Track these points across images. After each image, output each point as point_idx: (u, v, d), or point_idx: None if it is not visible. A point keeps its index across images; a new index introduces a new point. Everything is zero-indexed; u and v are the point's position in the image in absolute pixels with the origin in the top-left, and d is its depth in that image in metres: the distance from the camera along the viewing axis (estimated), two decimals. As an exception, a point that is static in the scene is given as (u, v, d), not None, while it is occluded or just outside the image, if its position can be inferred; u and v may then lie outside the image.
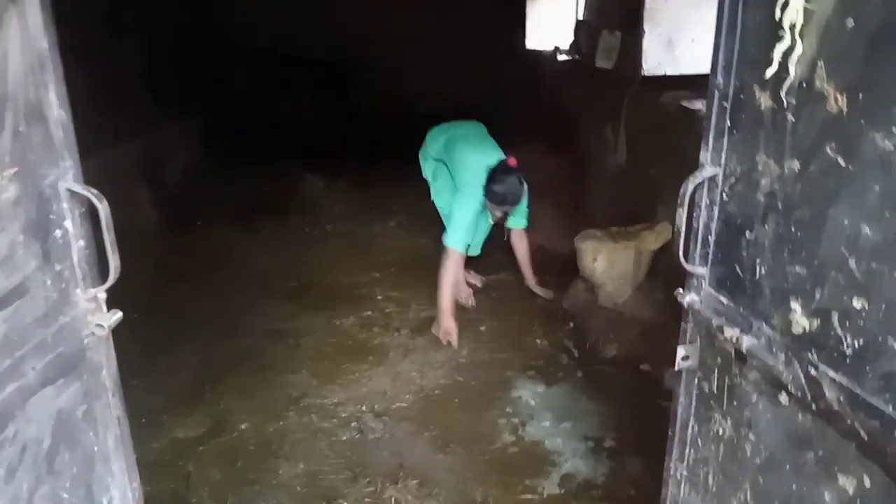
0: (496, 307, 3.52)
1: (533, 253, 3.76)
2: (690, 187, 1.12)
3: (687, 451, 1.28)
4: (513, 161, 3.30)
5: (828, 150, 0.87)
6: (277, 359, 3.21)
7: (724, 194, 1.11)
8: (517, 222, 3.64)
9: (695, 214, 1.18)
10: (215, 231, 4.61)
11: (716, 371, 1.15)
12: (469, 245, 3.57)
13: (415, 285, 3.91)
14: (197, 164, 5.51)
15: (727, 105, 1.07)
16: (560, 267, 3.96)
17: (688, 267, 1.16)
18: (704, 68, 2.93)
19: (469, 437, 2.72)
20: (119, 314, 1.14)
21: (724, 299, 1.12)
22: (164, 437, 2.70)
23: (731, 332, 1.05)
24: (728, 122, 1.08)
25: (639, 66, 3.20)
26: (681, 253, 1.15)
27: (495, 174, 3.24)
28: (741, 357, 1.07)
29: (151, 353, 3.23)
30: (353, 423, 2.76)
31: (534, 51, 5.99)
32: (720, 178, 1.11)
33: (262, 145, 5.97)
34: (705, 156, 1.13)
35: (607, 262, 3.33)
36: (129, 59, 4.63)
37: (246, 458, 2.57)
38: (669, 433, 1.32)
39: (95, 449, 1.13)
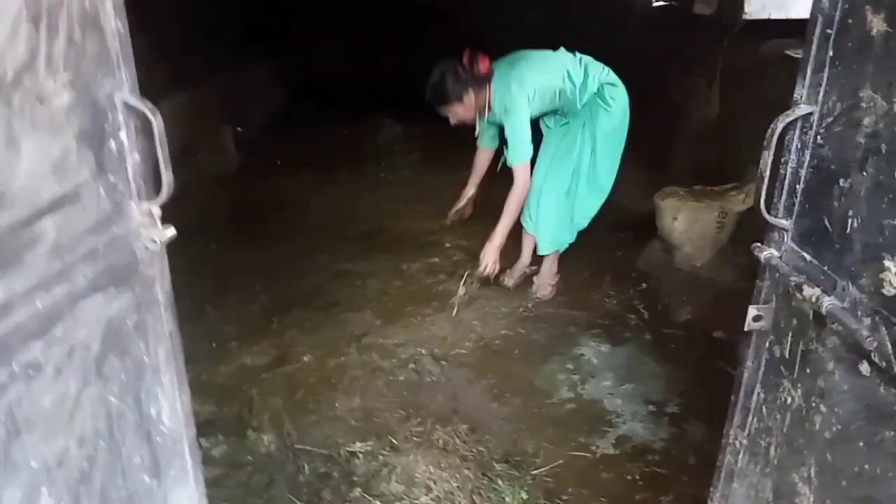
0: (565, 260, 3.41)
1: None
2: (780, 127, 0.99)
3: (750, 419, 1.18)
4: (465, 56, 2.86)
5: (950, 80, 0.74)
6: (343, 298, 3.26)
7: (818, 136, 0.98)
8: (483, 139, 3.22)
9: (782, 160, 1.05)
10: (293, 174, 4.69)
11: (790, 334, 1.04)
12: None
13: (484, 235, 3.84)
14: (278, 109, 5.59)
15: (831, 32, 0.94)
16: (636, 225, 3.80)
17: (769, 218, 1.04)
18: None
19: (526, 389, 2.69)
20: (172, 230, 1.15)
21: (807, 255, 1.00)
22: (233, 363, 2.81)
23: (810, 292, 0.94)
24: (830, 52, 0.94)
25: (740, 8, 2.93)
26: (762, 202, 1.03)
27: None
28: (820, 320, 0.96)
29: (226, 285, 3.35)
30: (412, 365, 2.77)
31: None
32: (815, 117, 0.98)
33: (343, 91, 5.97)
34: (800, 92, 1.00)
35: (687, 222, 3.15)
36: (219, 2, 4.70)
37: (306, 389, 2.64)
38: (732, 399, 1.23)
39: (145, 360, 1.16)
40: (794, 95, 1.01)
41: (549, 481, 2.18)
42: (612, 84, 3.01)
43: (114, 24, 1.04)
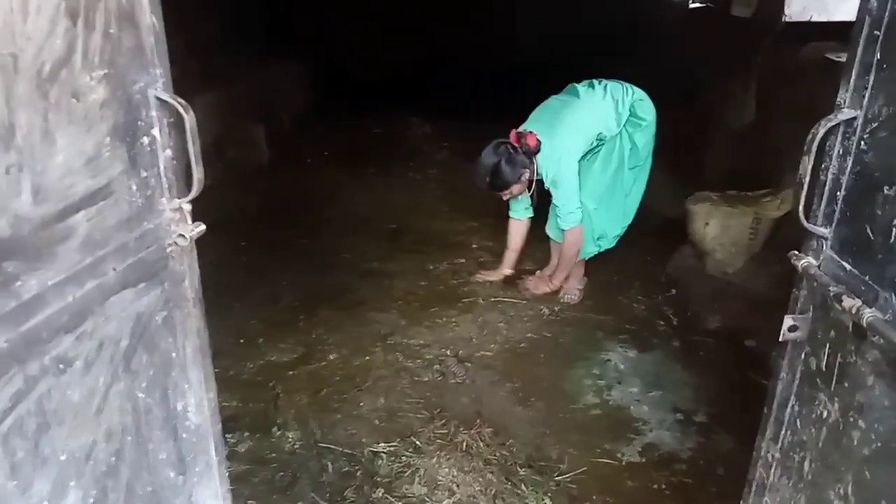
0: (594, 264, 3.37)
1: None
2: (821, 132, 0.96)
3: (783, 431, 1.15)
4: (513, 136, 2.96)
5: None
6: (369, 296, 3.27)
7: (862, 141, 0.95)
8: (516, 210, 3.27)
9: (822, 166, 1.02)
10: (322, 171, 4.73)
11: (827, 346, 1.01)
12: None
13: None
14: (309, 106, 5.63)
15: (879, 33, 0.90)
16: (666, 230, 3.74)
17: (808, 226, 1.01)
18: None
19: (551, 393, 2.66)
20: (202, 227, 1.15)
21: (847, 265, 0.97)
22: (259, 358, 2.83)
23: (850, 303, 0.91)
24: (878, 55, 0.91)
25: (780, 10, 2.86)
26: (801, 209, 1.00)
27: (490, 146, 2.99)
28: (860, 332, 0.93)
29: (254, 280, 3.39)
30: (436, 366, 2.76)
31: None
32: (859, 121, 0.95)
33: (373, 89, 6.00)
34: (843, 96, 0.97)
35: (720, 228, 3.09)
36: (250, 2, 4.76)
37: (331, 387, 2.65)
38: (765, 411, 1.19)
39: (173, 356, 1.17)
40: (837, 99, 0.98)
41: (573, 487, 2.15)
42: (641, 100, 3.07)
43: (149, 19, 1.05)
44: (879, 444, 0.91)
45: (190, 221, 1.15)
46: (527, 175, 2.97)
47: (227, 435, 2.31)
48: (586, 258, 3.29)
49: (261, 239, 3.76)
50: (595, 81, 3.12)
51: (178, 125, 1.11)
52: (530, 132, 2.93)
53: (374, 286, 3.38)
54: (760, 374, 2.75)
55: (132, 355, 1.04)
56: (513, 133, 2.96)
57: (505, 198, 3.10)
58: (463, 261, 3.62)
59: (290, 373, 2.75)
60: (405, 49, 6.30)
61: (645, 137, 3.10)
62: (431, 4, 6.22)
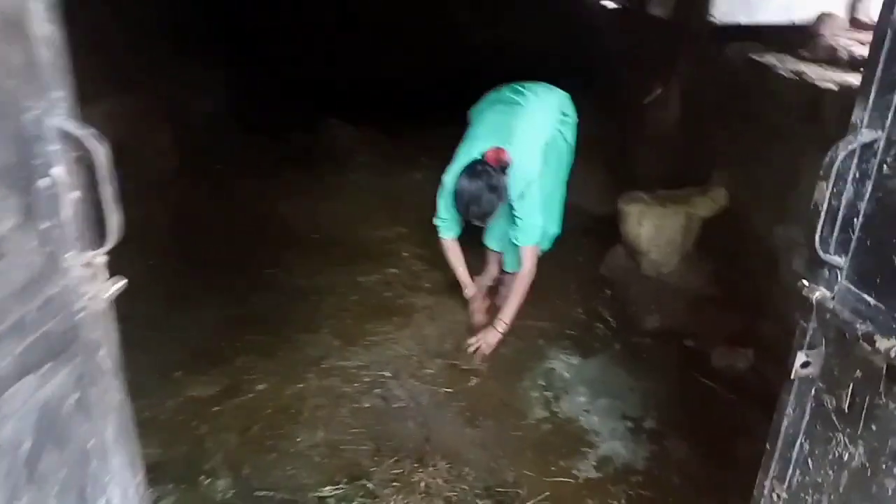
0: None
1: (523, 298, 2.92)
2: (841, 155, 0.87)
3: (790, 471, 1.07)
4: (491, 155, 2.63)
5: None
6: (298, 316, 3.04)
7: (885, 165, 0.87)
8: (510, 262, 3.09)
9: (834, 190, 0.94)
10: (238, 180, 4.38)
11: (850, 386, 0.93)
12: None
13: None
14: (222, 111, 5.23)
15: (905, 49, 0.82)
16: (597, 229, 3.73)
17: (824, 256, 0.92)
18: (782, 18, 2.58)
19: (499, 409, 2.55)
20: (122, 282, 0.94)
21: (870, 299, 0.89)
22: (178, 395, 2.56)
23: (886, 344, 0.83)
24: (905, 73, 0.83)
25: (704, 11, 2.88)
26: (818, 238, 0.91)
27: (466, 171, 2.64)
28: (894, 374, 0.85)
29: (167, 305, 3.06)
30: (377, 390, 2.59)
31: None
32: (881, 144, 0.87)
33: (290, 92, 5.68)
34: (861, 115, 0.88)
35: (654, 228, 3.09)
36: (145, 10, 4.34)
37: (263, 422, 2.42)
38: (768, 447, 1.11)
39: (90, 444, 0.95)
40: (853, 120, 0.89)
41: (536, 514, 2.05)
42: (565, 98, 3.03)
43: (44, 28, 0.82)
44: (921, 498, 0.83)
45: (105, 278, 0.93)
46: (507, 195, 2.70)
47: (146, 483, 2.06)
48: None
49: (173, 257, 3.42)
50: (522, 85, 3.00)
51: (84, 160, 0.89)
52: (500, 148, 2.66)
53: (301, 304, 3.14)
54: (702, 373, 2.77)
55: (38, 458, 0.82)
56: (490, 153, 2.63)
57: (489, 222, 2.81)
58: (395, 271, 3.45)
59: (215, 409, 2.49)
60: (328, 51, 6.02)
61: (572, 134, 3.05)
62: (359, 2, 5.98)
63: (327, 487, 2.07)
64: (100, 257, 0.91)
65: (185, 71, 4.52)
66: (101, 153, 0.86)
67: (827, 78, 2.38)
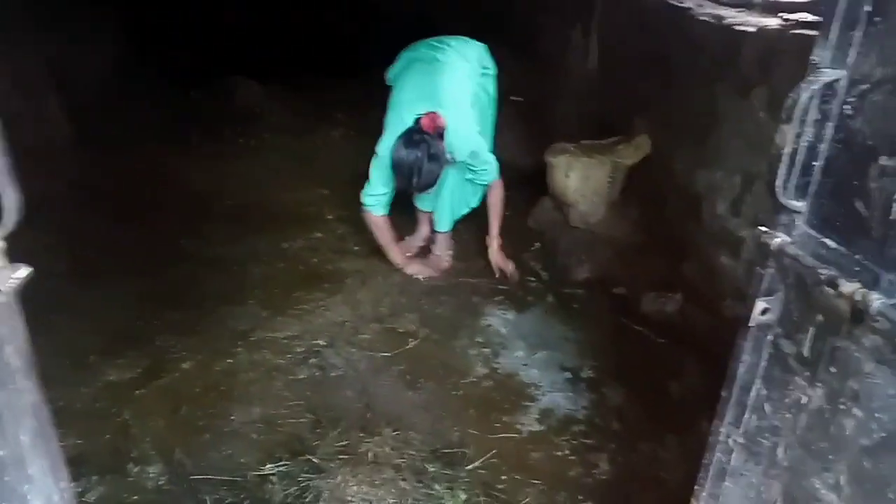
0: (459, 226, 3.24)
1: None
2: (804, 96, 0.85)
3: (747, 415, 1.08)
4: (426, 122, 2.62)
5: None
6: (220, 289, 2.87)
7: (846, 106, 0.85)
8: (441, 222, 3.11)
9: (794, 133, 0.92)
10: (141, 146, 4.05)
11: (811, 330, 0.93)
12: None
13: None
14: (118, 71, 4.79)
15: (869, -18, 0.79)
16: (523, 182, 3.71)
17: (784, 201, 0.91)
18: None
19: (439, 370, 2.52)
20: (27, 271, 0.81)
21: (831, 243, 0.88)
22: (95, 381, 2.38)
23: (849, 287, 0.82)
24: (868, 6, 0.80)
25: (623, -44, 2.85)
26: (780, 183, 0.89)
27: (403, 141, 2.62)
28: (858, 317, 0.85)
29: (75, 286, 2.82)
30: (312, 360, 2.50)
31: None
32: (843, 84, 0.85)
33: (190, 46, 5.27)
34: (822, 54, 0.86)
35: (581, 179, 3.09)
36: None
37: (191, 403, 2.29)
38: (723, 394, 1.11)
39: (2, 454, 0.82)
40: (813, 58, 0.87)
41: (484, 473, 2.05)
42: (485, 50, 2.98)
43: None
44: (883, 435, 0.85)
45: (5, 266, 0.80)
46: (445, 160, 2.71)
47: (71, 483, 1.90)
48: (458, 219, 3.14)
49: (76, 234, 3.13)
50: (439, 41, 2.92)
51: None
52: (434, 113, 2.63)
53: (223, 275, 2.98)
54: (632, 320, 2.83)
55: (-61, 481, 0.70)
56: (424, 119, 2.61)
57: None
58: (320, 235, 3.32)
59: (138, 392, 2.34)
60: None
61: (493, 87, 3.01)
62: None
63: (268, 465, 1.98)
64: (-4, 242, 0.78)
65: (70, 27, 4.10)
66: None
67: (744, 22, 2.41)
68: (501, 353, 2.64)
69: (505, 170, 3.89)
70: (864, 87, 0.82)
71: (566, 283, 3.06)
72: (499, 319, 2.84)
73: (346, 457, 1.97)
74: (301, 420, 2.21)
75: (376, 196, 2.80)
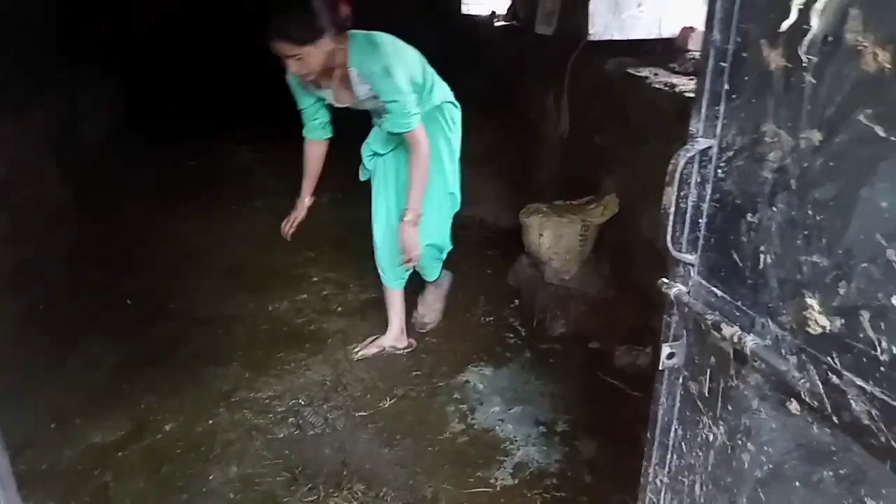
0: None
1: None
2: (682, 162, 0.97)
3: (669, 456, 1.15)
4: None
5: (861, 117, 0.73)
6: (204, 349, 2.96)
7: (719, 170, 0.96)
8: (311, 128, 2.73)
9: (682, 194, 1.03)
10: (135, 210, 4.22)
11: (707, 372, 1.02)
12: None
13: (352, 265, 3.69)
14: (114, 137, 5.03)
15: (725, 65, 0.92)
16: (502, 242, 3.83)
17: (676, 254, 1.01)
18: (652, 33, 2.77)
19: (416, 427, 2.57)
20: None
21: (718, 291, 0.98)
22: (79, 442, 2.45)
23: (730, 331, 0.92)
24: (726, 86, 0.93)
25: (583, 30, 3.05)
26: (668, 238, 1.00)
27: None
28: (740, 358, 0.94)
29: (63, 348, 2.93)
30: (291, 419, 2.56)
31: (469, 16, 5.77)
32: (714, 151, 0.96)
33: (186, 111, 5.53)
34: (697, 125, 0.98)
35: (553, 238, 3.21)
36: (29, 16, 4.12)
37: (172, 463, 2.35)
38: (648, 436, 1.19)
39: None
40: (690, 129, 0.99)
41: (455, 527, 2.07)
42: (455, 105, 2.82)
43: None
44: (771, 466, 0.92)
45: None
46: (326, 45, 2.29)
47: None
48: (439, 278, 3.16)
49: (66, 297, 3.25)
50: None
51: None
52: (345, 2, 2.33)
53: (208, 336, 3.07)
54: (606, 373, 2.89)
55: None
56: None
57: (294, 70, 2.37)
58: (305, 296, 3.42)
59: (120, 454, 2.40)
60: (218, 71, 5.90)
61: (458, 139, 2.87)
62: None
63: (241, 523, 2.02)
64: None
65: (68, 95, 4.32)
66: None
67: (693, 89, 2.57)
68: (478, 409, 2.69)
69: (485, 229, 4.07)
70: (730, 153, 0.94)
71: (543, 338, 3.14)
72: (476, 375, 2.90)
73: (313, 511, 2.01)
74: (278, 478, 2.26)
75: (304, 116, 2.67)
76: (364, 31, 2.48)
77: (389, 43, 2.49)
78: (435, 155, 2.67)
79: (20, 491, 1.02)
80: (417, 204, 2.59)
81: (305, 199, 2.89)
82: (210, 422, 2.53)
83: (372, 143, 2.83)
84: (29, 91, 3.86)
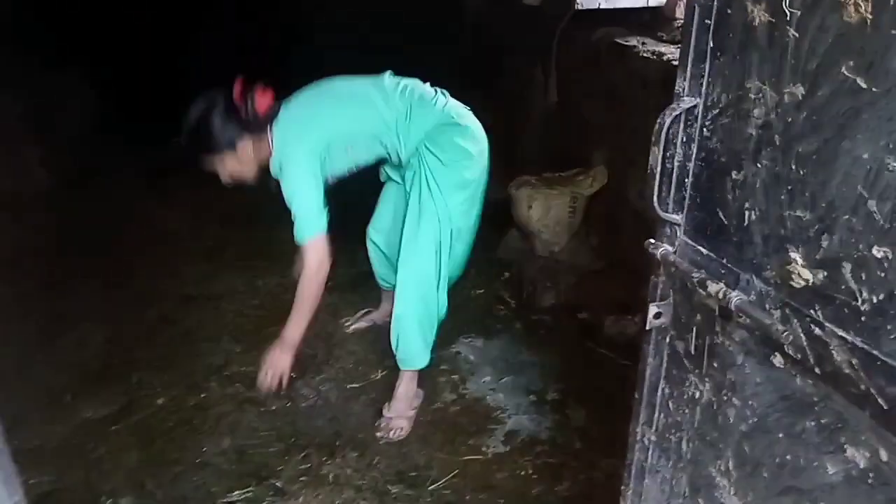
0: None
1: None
2: (667, 121, 0.97)
3: (656, 415, 1.17)
4: (237, 85, 2.07)
5: (843, 69, 0.73)
6: (195, 326, 2.96)
7: (704, 128, 0.97)
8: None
9: (668, 153, 1.03)
10: (119, 191, 4.18)
11: (693, 330, 1.03)
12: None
13: (341, 240, 3.67)
14: (95, 119, 4.95)
15: (710, 22, 0.92)
16: (492, 215, 3.82)
17: (661, 214, 1.02)
18: (640, 2, 2.74)
19: (408, 397, 2.59)
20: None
21: (703, 249, 0.99)
22: (71, 419, 2.45)
23: (715, 288, 0.93)
24: (711, 44, 0.93)
25: (571, 0, 3.03)
26: (655, 198, 1.01)
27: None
28: (726, 314, 0.95)
29: (52, 329, 2.92)
30: (283, 392, 2.56)
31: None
32: (700, 109, 0.97)
33: (168, 93, 5.44)
34: (682, 84, 0.98)
35: (542, 210, 3.22)
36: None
37: (165, 437, 2.36)
38: (636, 396, 1.21)
39: (-44, 465, 0.91)
40: (676, 88, 0.99)
41: (447, 493, 2.11)
42: (452, 124, 2.27)
43: None
44: (756, 420, 0.94)
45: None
46: (246, 146, 2.08)
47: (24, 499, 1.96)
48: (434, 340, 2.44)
49: (52, 279, 3.24)
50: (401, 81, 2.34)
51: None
52: (264, 90, 2.09)
53: (198, 313, 3.06)
54: (596, 343, 2.92)
55: None
56: (237, 82, 2.06)
57: (224, 178, 2.21)
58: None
59: (113, 428, 2.41)
60: (197, 45, 5.81)
61: (455, 175, 2.34)
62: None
63: (236, 492, 2.04)
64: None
65: (46, 79, 4.26)
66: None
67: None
68: (469, 379, 2.72)
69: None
70: (715, 111, 0.94)
71: (533, 309, 3.16)
72: (468, 347, 2.92)
73: (306, 479, 2.04)
74: (271, 449, 2.28)
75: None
76: (304, 97, 2.20)
77: (301, 123, 2.14)
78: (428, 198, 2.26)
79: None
80: (290, 340, 2.19)
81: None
82: (202, 396, 2.54)
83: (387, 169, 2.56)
84: (7, 76, 3.80)
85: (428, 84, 2.38)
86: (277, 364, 2.17)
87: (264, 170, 2.21)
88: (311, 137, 2.12)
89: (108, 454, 2.28)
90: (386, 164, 2.51)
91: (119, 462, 2.25)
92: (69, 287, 3.19)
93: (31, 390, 2.55)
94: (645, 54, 2.71)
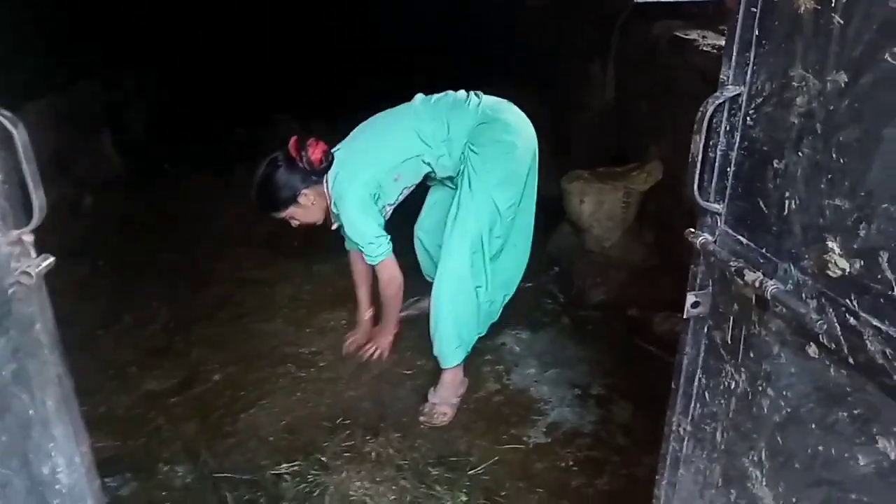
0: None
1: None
2: (710, 110, 0.97)
3: (692, 405, 1.17)
4: (292, 143, 2.34)
5: (888, 56, 0.72)
6: (251, 308, 3.08)
7: (748, 117, 0.96)
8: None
9: (711, 143, 1.03)
10: (184, 179, 4.37)
11: (731, 319, 1.03)
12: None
13: (397, 230, 3.74)
14: (163, 110, 5.19)
15: (756, 10, 0.92)
16: (544, 209, 3.82)
17: (702, 203, 1.02)
18: (702, -7, 2.63)
19: (453, 385, 2.63)
20: (50, 259, 0.98)
21: (743, 239, 0.99)
22: (134, 390, 2.59)
23: (752, 277, 0.93)
24: (757, 31, 0.92)
25: (630, -6, 3.00)
26: (695, 187, 1.01)
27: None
28: (762, 304, 0.95)
29: (119, 305, 3.09)
30: (333, 374, 2.65)
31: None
32: (744, 98, 0.96)
33: (232, 86, 5.65)
34: (727, 73, 0.98)
35: (595, 204, 3.20)
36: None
37: (221, 411, 2.47)
38: (673, 386, 1.21)
39: (31, 413, 0.99)
40: (721, 77, 0.99)
41: (487, 479, 2.14)
42: (491, 121, 2.37)
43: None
44: (790, 410, 0.94)
45: (34, 254, 0.98)
46: (309, 197, 2.35)
47: (107, 479, 2.09)
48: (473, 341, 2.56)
49: (123, 259, 3.42)
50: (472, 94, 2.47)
51: (5, 142, 0.93)
52: (316, 142, 2.33)
53: (255, 296, 3.18)
54: (645, 340, 2.89)
55: (-23, 424, 0.87)
56: (292, 140, 2.34)
57: (294, 223, 2.49)
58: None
59: (172, 400, 2.53)
60: (265, 44, 6.00)
61: (501, 169, 2.45)
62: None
63: (284, 465, 2.13)
64: (27, 235, 0.96)
65: (120, 70, 4.49)
66: (19, 134, 0.91)
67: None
68: (513, 371, 2.74)
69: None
70: (759, 100, 0.94)
71: (581, 305, 3.15)
72: (513, 339, 2.94)
73: (350, 455, 2.11)
74: (318, 428, 2.36)
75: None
76: (337, 154, 2.38)
77: (351, 164, 2.35)
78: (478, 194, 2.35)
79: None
80: (389, 331, 2.73)
81: (365, 315, 2.84)
82: (256, 374, 2.65)
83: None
84: (77, 69, 4.01)
85: (461, 91, 2.50)
86: (380, 341, 2.71)
87: (328, 213, 2.49)
88: (360, 179, 2.34)
89: (167, 424, 2.40)
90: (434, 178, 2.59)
91: (177, 432, 2.37)
92: (136, 269, 3.36)
93: (100, 362, 2.71)
94: (705, 48, 2.66)
